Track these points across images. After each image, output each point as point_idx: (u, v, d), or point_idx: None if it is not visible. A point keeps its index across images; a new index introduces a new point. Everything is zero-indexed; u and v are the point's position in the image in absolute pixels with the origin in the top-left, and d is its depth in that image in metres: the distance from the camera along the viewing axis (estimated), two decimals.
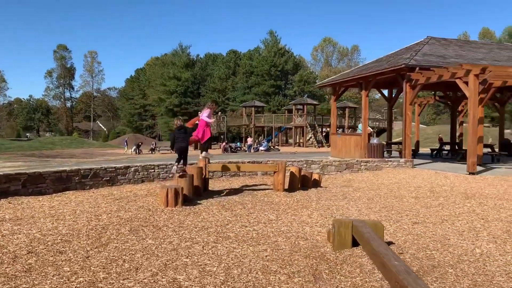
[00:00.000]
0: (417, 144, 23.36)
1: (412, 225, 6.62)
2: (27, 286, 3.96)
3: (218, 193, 9.37)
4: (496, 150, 20.79)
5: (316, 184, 10.64)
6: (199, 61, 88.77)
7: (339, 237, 4.97)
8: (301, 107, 49.13)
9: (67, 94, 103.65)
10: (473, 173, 12.82)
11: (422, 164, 16.73)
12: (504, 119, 24.94)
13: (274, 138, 49.78)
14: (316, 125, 46.21)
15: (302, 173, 10.18)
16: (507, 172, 13.80)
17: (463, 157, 18.72)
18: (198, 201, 8.13)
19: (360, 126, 18.95)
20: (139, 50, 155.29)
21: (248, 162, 12.93)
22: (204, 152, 9.76)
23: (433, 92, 25.07)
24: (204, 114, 9.59)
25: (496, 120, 67.13)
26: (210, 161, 10.07)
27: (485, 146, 19.60)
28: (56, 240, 5.55)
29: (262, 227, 6.26)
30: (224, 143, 38.17)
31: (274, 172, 9.40)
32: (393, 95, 22.56)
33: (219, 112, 57.03)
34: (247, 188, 10.38)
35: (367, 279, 4.09)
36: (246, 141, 43.29)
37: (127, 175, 11.32)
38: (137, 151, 38.12)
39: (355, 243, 5.02)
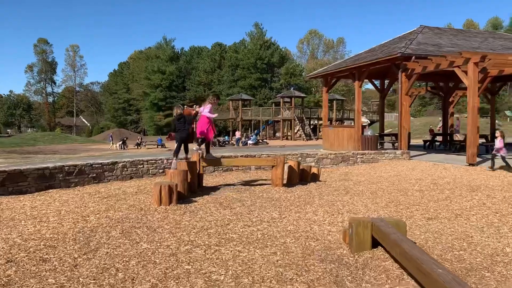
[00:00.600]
0: (409, 136, 23.07)
1: (426, 221, 6.17)
2: None
3: (213, 189, 8.82)
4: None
5: (315, 178, 10.16)
6: (184, 54, 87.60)
7: (357, 238, 4.48)
8: (288, 100, 48.68)
9: (49, 89, 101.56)
10: (473, 164, 12.50)
11: (417, 155, 16.40)
12: (496, 110, 24.85)
13: (262, 132, 49.28)
14: (304, 118, 45.83)
15: (300, 167, 9.68)
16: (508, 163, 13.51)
17: (459, 148, 18.51)
18: (193, 199, 7.57)
19: (363, 119, 18.40)
20: (122, 44, 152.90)
21: (241, 156, 12.39)
22: (207, 154, 9.17)
23: (424, 83, 24.79)
24: (205, 110, 8.99)
25: (483, 111, 67.87)
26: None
27: (481, 136, 19.37)
28: (39, 245, 4.95)
29: (267, 227, 5.74)
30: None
31: (272, 167, 8.88)
32: (385, 86, 22.23)
33: (196, 106, 56.15)
34: (243, 183, 9.85)
35: (398, 287, 3.61)
36: (234, 135, 42.70)
37: (114, 171, 10.68)
38: (123, 147, 37.22)
39: (374, 245, 4.55)
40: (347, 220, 6.15)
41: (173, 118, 8.75)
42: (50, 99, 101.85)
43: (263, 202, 7.41)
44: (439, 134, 22.72)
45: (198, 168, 8.56)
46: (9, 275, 4.01)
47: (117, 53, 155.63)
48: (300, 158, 13.60)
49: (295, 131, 45.50)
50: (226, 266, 4.20)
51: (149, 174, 11.25)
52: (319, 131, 48.94)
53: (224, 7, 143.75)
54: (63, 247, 4.93)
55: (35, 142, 52.02)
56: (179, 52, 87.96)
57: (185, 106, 9.33)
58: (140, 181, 10.53)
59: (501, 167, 11.71)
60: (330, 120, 44.91)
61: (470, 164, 12.54)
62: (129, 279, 3.89)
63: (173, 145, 34.94)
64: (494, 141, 19.50)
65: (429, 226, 5.82)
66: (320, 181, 10.30)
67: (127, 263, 4.33)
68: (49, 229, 5.74)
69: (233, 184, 9.57)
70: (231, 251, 4.69)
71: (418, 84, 25.47)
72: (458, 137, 23.09)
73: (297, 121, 44.82)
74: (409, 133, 23.64)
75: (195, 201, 7.36)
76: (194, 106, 9.83)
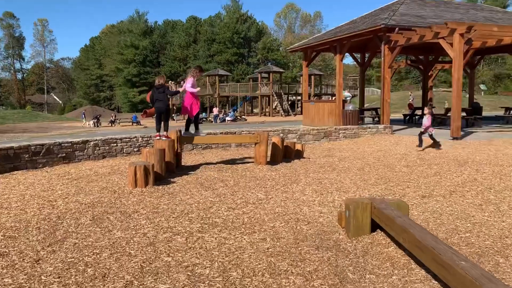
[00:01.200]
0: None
1: (421, 199, 5.84)
2: None
3: (193, 168, 8.28)
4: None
5: (299, 155, 9.74)
6: (157, 28, 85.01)
7: (355, 221, 4.06)
8: (266, 75, 47.94)
9: (17, 65, 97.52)
10: (457, 138, 12.31)
11: (399, 130, 16.18)
12: (476, 83, 24.87)
13: (240, 108, 48.59)
14: (282, 93, 45.30)
15: (284, 144, 9.22)
16: (489, 136, 13.41)
17: (439, 122, 18.40)
18: (172, 179, 7.03)
19: (345, 93, 17.90)
20: (94, 18, 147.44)
21: (221, 134, 11.86)
22: (196, 131, 8.66)
23: (404, 56, 24.53)
24: (187, 84, 8.40)
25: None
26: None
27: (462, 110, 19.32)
28: None
29: (253, 209, 5.29)
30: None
31: (255, 144, 8.39)
32: (366, 60, 21.84)
33: (182, 82, 54.94)
34: (224, 162, 9.34)
35: (407, 278, 3.22)
36: (211, 112, 41.91)
37: (85, 150, 10.00)
38: (96, 124, 36.04)
39: (373, 228, 4.15)
40: (338, 200, 5.77)
41: (152, 89, 8.14)
42: (19, 76, 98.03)
43: (247, 181, 6.94)
44: (418, 108, 22.62)
45: (176, 147, 7.99)
46: None
47: (88, 27, 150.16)
48: (282, 134, 13.13)
49: (274, 107, 45.00)
50: (211, 257, 3.73)
51: (123, 153, 10.61)
52: (297, 107, 48.60)
53: None
54: (25, 237, 4.37)
55: (4, 120, 49.92)
56: (153, 26, 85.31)
57: (170, 82, 8.79)
58: (114, 161, 9.90)
59: (431, 145, 11.18)
60: (308, 95, 44.56)
61: (454, 138, 12.34)
62: (100, 276, 3.38)
63: (148, 122, 33.73)
64: (472, 114, 19.59)
65: (425, 205, 5.47)
66: (304, 158, 9.89)
67: (98, 256, 3.81)
68: (10, 216, 5.14)
69: (214, 163, 9.06)
70: (215, 238, 4.22)
71: (398, 58, 25.20)
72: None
73: (275, 97, 44.27)
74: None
75: (174, 182, 6.83)
76: (170, 82, 9.22)
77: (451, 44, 12.20)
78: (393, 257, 3.63)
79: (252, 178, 7.25)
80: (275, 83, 46.63)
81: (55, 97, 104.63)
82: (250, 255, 3.75)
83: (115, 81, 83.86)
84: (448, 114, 18.54)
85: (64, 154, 9.60)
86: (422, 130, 11.11)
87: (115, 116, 40.29)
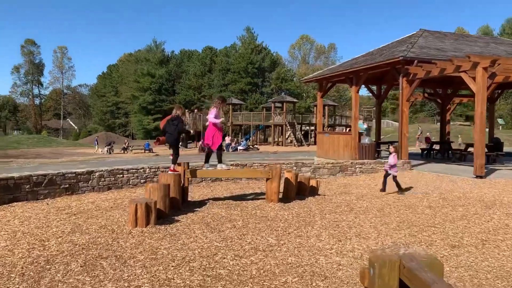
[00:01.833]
0: None
1: (451, 249, 5.22)
2: None
3: (200, 204, 7.77)
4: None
5: (314, 191, 9.18)
6: (174, 58, 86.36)
7: (381, 282, 3.45)
8: (279, 105, 47.80)
9: (36, 91, 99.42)
10: (481, 177, 11.62)
11: (417, 165, 15.52)
12: (495, 117, 24.18)
13: (252, 137, 48.26)
14: (295, 123, 44.96)
15: (298, 179, 8.69)
16: None
17: (459, 157, 17.70)
18: (176, 217, 6.52)
19: (362, 125, 17.35)
20: (112, 46, 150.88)
21: (232, 166, 11.38)
22: (220, 165, 8.28)
23: (421, 89, 24.03)
24: (210, 115, 8.11)
25: (471, 118, 67.65)
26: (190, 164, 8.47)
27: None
28: None
29: (262, 258, 4.73)
30: (201, 142, 36.35)
31: (267, 179, 7.87)
32: (382, 92, 21.42)
33: (195, 110, 55.11)
34: (234, 197, 8.82)
35: None
36: (224, 140, 41.60)
37: (90, 181, 9.59)
38: (109, 151, 35.93)
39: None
40: (358, 248, 5.18)
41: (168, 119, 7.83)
42: (37, 101, 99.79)
43: (257, 222, 6.39)
44: (436, 142, 21.94)
45: (182, 181, 7.52)
46: None
47: (106, 55, 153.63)
48: (295, 168, 12.62)
49: (286, 136, 44.59)
50: None
51: (129, 184, 10.17)
52: (311, 137, 48.11)
53: (215, 10, 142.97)
54: (5, 287, 3.87)
55: (19, 145, 50.35)
56: (169, 55, 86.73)
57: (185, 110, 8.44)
58: (119, 193, 9.45)
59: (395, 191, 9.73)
60: (322, 126, 44.12)
61: (477, 176, 11.66)
62: None
63: (160, 149, 33.67)
64: (493, 150, 18.83)
65: (457, 258, 4.85)
66: (319, 194, 9.33)
67: None
68: None
69: (222, 198, 8.54)
70: None
71: (415, 91, 24.72)
72: (418, 146, 22.32)
73: (288, 127, 43.92)
74: None
75: (178, 221, 6.31)
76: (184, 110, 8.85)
77: (473, 78, 11.70)
78: None
79: (263, 218, 6.70)
80: (289, 112, 46.42)
81: (71, 122, 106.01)
82: None
83: (131, 108, 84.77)
84: (469, 150, 17.87)
85: (67, 185, 9.19)
86: (386, 169, 9.89)
87: (127, 143, 40.23)
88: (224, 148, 37.43)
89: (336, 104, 56.98)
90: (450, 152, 20.66)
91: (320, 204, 8.13)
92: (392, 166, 9.79)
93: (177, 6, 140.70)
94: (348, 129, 49.67)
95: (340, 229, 6.14)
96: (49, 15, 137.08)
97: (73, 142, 66.66)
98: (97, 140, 43.47)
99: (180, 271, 4.28)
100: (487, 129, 22.06)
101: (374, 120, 52.97)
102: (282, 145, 43.57)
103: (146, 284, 3.92)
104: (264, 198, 8.28)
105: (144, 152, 35.42)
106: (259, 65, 70.76)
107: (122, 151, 36.21)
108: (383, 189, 9.93)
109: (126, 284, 3.92)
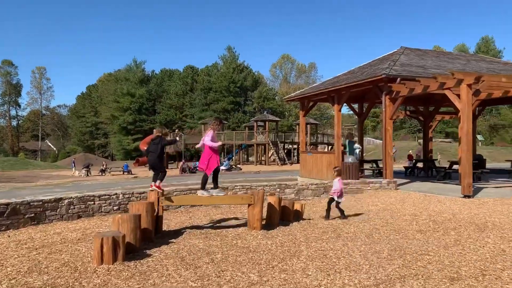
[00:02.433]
0: None
1: (450, 283, 4.75)
2: None
3: (176, 234, 7.17)
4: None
5: (298, 216, 8.68)
6: (154, 77, 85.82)
7: None
8: (262, 123, 47.55)
9: (13, 112, 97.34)
10: (469, 196, 11.32)
11: (402, 184, 15.20)
12: (476, 133, 24.22)
13: (235, 156, 47.71)
14: (278, 142, 44.68)
15: (281, 204, 8.18)
16: (501, 193, 12.45)
17: (443, 175, 17.47)
18: (148, 251, 5.92)
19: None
20: (91, 66, 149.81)
21: (211, 189, 10.83)
22: (214, 190, 7.76)
23: (403, 107, 24.00)
24: (206, 137, 7.63)
25: (451, 135, 68.54)
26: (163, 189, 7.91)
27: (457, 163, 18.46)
28: None
29: None
30: (182, 163, 35.67)
31: (249, 205, 7.34)
32: (364, 110, 21.25)
33: (176, 130, 54.41)
34: (213, 224, 8.26)
35: None
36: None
37: (58, 209, 8.92)
38: (86, 173, 34.90)
39: None
40: (348, 284, 4.67)
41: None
42: (14, 123, 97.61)
43: (237, 254, 5.84)
44: (420, 160, 21.77)
45: (156, 209, 6.94)
46: None
47: (85, 75, 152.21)
48: (278, 189, 12.15)
49: (269, 155, 44.20)
50: None
51: (101, 212, 9.51)
52: (294, 155, 47.81)
53: (196, 30, 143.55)
54: None
55: None
56: (150, 74, 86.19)
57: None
58: (90, 222, 8.79)
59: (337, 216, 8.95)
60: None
61: (465, 196, 11.35)
62: None
63: (139, 171, 32.88)
64: (478, 168, 18.69)
65: None
66: (304, 219, 8.83)
67: None
68: None
69: (201, 226, 7.96)
70: None
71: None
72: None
73: (271, 145, 43.58)
74: None
75: (150, 256, 5.70)
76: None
77: (458, 95, 11.50)
78: None
79: (244, 249, 6.14)
80: (271, 131, 46.21)
81: (49, 143, 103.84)
82: None
83: (110, 129, 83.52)
84: (454, 167, 17.67)
85: (32, 215, 8.50)
86: (332, 195, 8.91)
87: (105, 165, 39.24)
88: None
89: (318, 122, 57.07)
90: (434, 170, 20.49)
91: (305, 230, 7.63)
92: (336, 192, 8.83)
93: (157, 26, 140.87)
94: (330, 148, 49.67)
95: (328, 260, 5.64)
96: (27, 36, 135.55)
97: (50, 164, 65.04)
98: (74, 162, 42.33)
99: None
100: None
101: (356, 138, 53.21)
102: (265, 164, 43.14)
103: None
104: (245, 226, 7.73)
105: (123, 174, 34.52)
106: (241, 84, 70.76)
107: (100, 173, 35.22)
108: (327, 217, 8.83)
109: None
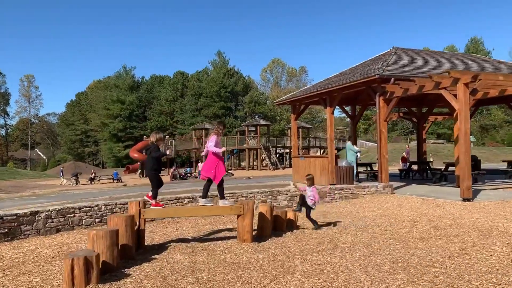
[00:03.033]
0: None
1: None
2: None
3: (159, 249, 6.61)
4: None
5: (291, 225, 8.17)
6: (144, 83, 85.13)
7: None
8: (253, 128, 47.08)
9: (1, 121, 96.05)
10: (468, 199, 10.89)
11: (398, 187, 14.77)
12: (470, 134, 23.92)
13: (227, 162, 47.13)
14: (270, 146, 44.20)
15: (274, 213, 7.67)
16: (500, 195, 12.05)
17: (440, 177, 17.09)
18: (127, 271, 5.36)
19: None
20: (80, 73, 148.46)
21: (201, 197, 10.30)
22: (222, 201, 7.14)
23: (396, 109, 23.63)
24: (210, 143, 7.07)
25: (444, 136, 68.56)
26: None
27: (452, 164, 18.08)
28: None
29: None
30: (172, 169, 35.03)
31: (238, 216, 6.81)
32: (356, 112, 20.85)
33: (167, 136, 53.68)
34: (201, 237, 7.71)
35: None
36: (197, 167, 40.35)
37: (35, 224, 8.32)
38: (75, 182, 34.11)
39: None
40: None
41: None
42: (3, 132, 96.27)
43: (226, 272, 5.30)
44: (414, 163, 21.39)
45: (138, 223, 6.38)
46: None
47: (75, 83, 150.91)
48: (270, 196, 11.64)
49: (261, 160, 43.70)
50: None
51: (82, 225, 8.92)
52: (286, 160, 47.36)
53: (186, 35, 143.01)
54: None
55: None
56: (140, 81, 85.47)
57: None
58: (69, 236, 8.21)
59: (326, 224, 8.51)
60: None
61: (465, 199, 10.93)
62: None
63: (129, 178, 32.14)
64: (474, 169, 18.32)
65: None
66: (298, 228, 8.32)
67: None
68: None
69: (188, 240, 7.40)
70: None
71: None
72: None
73: (263, 150, 43.08)
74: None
75: (128, 277, 5.14)
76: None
77: (454, 95, 11.09)
78: None
79: (233, 265, 5.61)
80: (263, 136, 45.71)
81: (39, 152, 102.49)
82: None
83: (100, 136, 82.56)
84: (450, 169, 17.29)
85: (6, 230, 7.91)
86: (311, 205, 8.16)
87: (94, 173, 38.44)
88: (197, 175, 36.13)
89: (309, 126, 56.72)
90: (429, 172, 20.12)
91: (300, 241, 7.11)
92: (312, 200, 8.13)
93: (147, 33, 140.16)
94: (323, 151, 49.30)
95: (326, 276, 5.12)
96: (15, 44, 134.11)
97: (38, 173, 63.93)
98: (63, 171, 41.43)
99: None
100: None
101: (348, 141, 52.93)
102: (257, 169, 42.62)
103: None
104: (235, 238, 7.19)
105: (113, 182, 33.80)
106: (232, 89, 70.31)
107: (89, 182, 34.45)
108: (315, 227, 8.12)
109: None
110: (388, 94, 13.37)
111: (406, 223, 8.84)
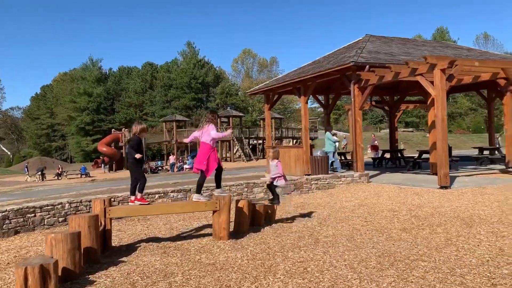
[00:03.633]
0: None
1: None
2: None
3: (128, 250, 6.08)
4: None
5: (270, 219, 7.77)
6: (112, 75, 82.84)
7: None
8: (226, 120, 46.50)
9: None
10: (446, 187, 10.78)
11: (373, 176, 14.64)
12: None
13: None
14: (243, 138, 43.77)
15: (251, 207, 7.24)
16: (476, 182, 12.05)
17: (413, 165, 17.09)
18: (91, 277, 4.82)
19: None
20: (45, 66, 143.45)
21: (172, 192, 9.79)
22: (195, 195, 6.59)
23: (369, 97, 23.56)
24: (212, 131, 6.65)
25: (412, 124, 69.83)
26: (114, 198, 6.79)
27: (426, 152, 18.15)
28: None
29: None
30: (146, 165, 34.09)
31: (214, 212, 6.35)
32: (330, 101, 20.64)
33: (123, 128, 52.37)
34: (174, 234, 7.22)
35: None
36: (168, 159, 39.52)
37: None
38: (41, 178, 32.77)
39: None
40: None
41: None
42: None
43: (201, 275, 4.85)
44: (387, 151, 21.41)
45: (103, 223, 5.83)
46: None
47: (39, 75, 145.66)
48: (246, 189, 11.24)
49: (234, 151, 43.25)
50: None
51: (43, 225, 8.26)
52: (259, 151, 47.07)
53: (154, 26, 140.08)
54: None
55: None
56: (107, 73, 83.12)
57: (123, 129, 6.64)
58: (29, 238, 7.56)
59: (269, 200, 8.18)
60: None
61: (442, 187, 10.81)
62: None
63: (98, 173, 31.17)
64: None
65: None
66: (277, 221, 7.94)
67: None
68: None
69: (160, 239, 6.89)
70: None
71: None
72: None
73: (236, 142, 42.62)
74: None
75: (92, 284, 4.61)
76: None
77: (431, 82, 10.92)
78: None
79: (210, 266, 5.16)
80: (235, 127, 45.19)
81: (3, 148, 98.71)
82: None
83: (67, 130, 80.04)
84: (423, 157, 17.32)
85: None
86: (273, 180, 7.77)
87: (61, 168, 37.06)
88: (169, 168, 35.35)
89: (282, 116, 56.57)
90: (402, 159, 20.19)
91: (279, 236, 6.72)
92: (277, 177, 7.71)
93: (113, 23, 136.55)
94: (295, 142, 49.20)
95: (310, 276, 4.75)
96: None
97: (2, 169, 61.47)
98: (27, 167, 39.75)
99: None
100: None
101: (319, 131, 53.04)
102: (230, 161, 42.15)
103: None
104: (212, 235, 6.73)
105: (81, 177, 32.65)
106: (203, 80, 69.30)
107: (56, 177, 33.17)
108: (274, 199, 7.85)
109: None
110: (363, 82, 13.13)
111: (386, 213, 8.60)
